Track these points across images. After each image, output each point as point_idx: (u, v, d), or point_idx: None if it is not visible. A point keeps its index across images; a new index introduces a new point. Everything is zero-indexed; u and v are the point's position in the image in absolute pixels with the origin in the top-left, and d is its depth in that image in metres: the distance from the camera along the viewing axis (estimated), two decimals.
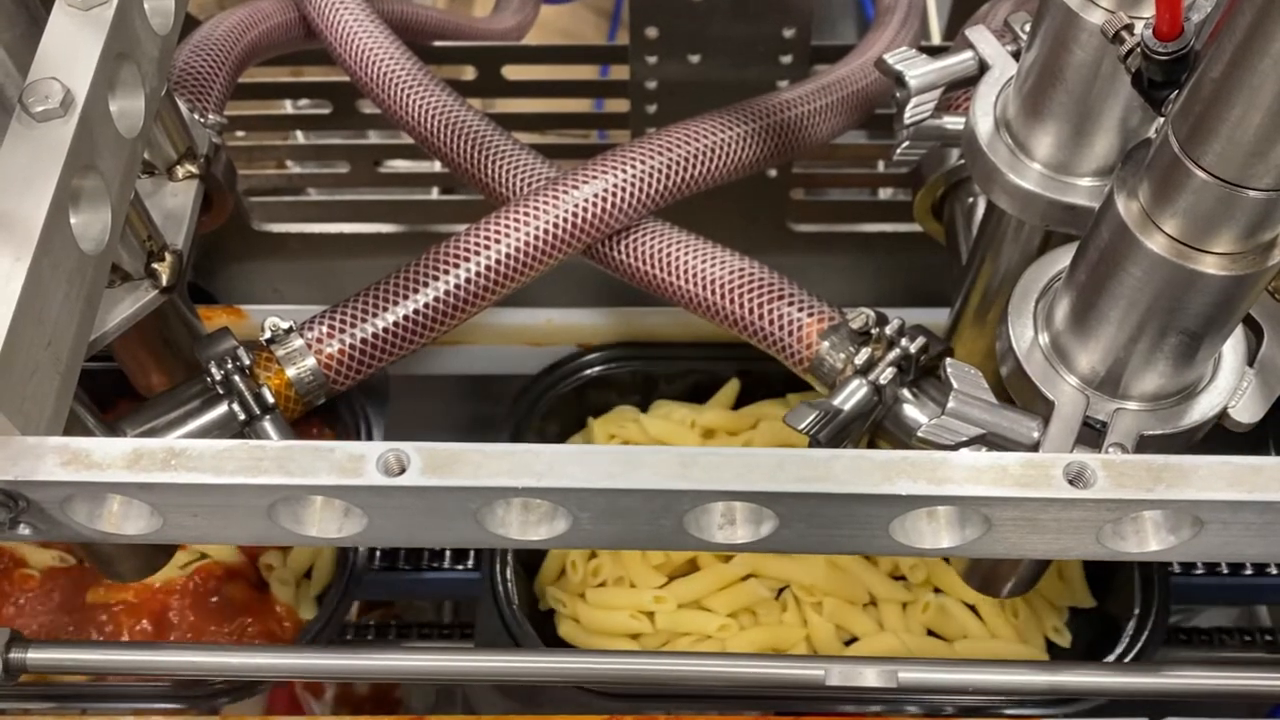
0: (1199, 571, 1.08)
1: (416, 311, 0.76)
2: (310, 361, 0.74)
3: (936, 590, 1.03)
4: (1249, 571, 1.09)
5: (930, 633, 1.02)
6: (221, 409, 0.72)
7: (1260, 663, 1.08)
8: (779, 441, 1.08)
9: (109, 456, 0.47)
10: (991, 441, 0.62)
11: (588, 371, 1.12)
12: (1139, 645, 0.96)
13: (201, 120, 0.79)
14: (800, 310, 0.77)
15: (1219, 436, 0.62)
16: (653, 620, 1.03)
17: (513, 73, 1.10)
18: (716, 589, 1.04)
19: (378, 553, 1.12)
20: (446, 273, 0.76)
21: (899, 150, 0.73)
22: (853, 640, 1.02)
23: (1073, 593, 1.03)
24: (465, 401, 1.32)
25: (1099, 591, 1.04)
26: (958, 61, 0.70)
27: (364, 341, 0.75)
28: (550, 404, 1.12)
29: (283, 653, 0.74)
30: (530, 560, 1.08)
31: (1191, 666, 0.63)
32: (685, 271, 0.79)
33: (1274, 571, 1.06)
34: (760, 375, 1.12)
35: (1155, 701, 0.85)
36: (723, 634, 1.02)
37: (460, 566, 1.11)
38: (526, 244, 0.77)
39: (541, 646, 1.00)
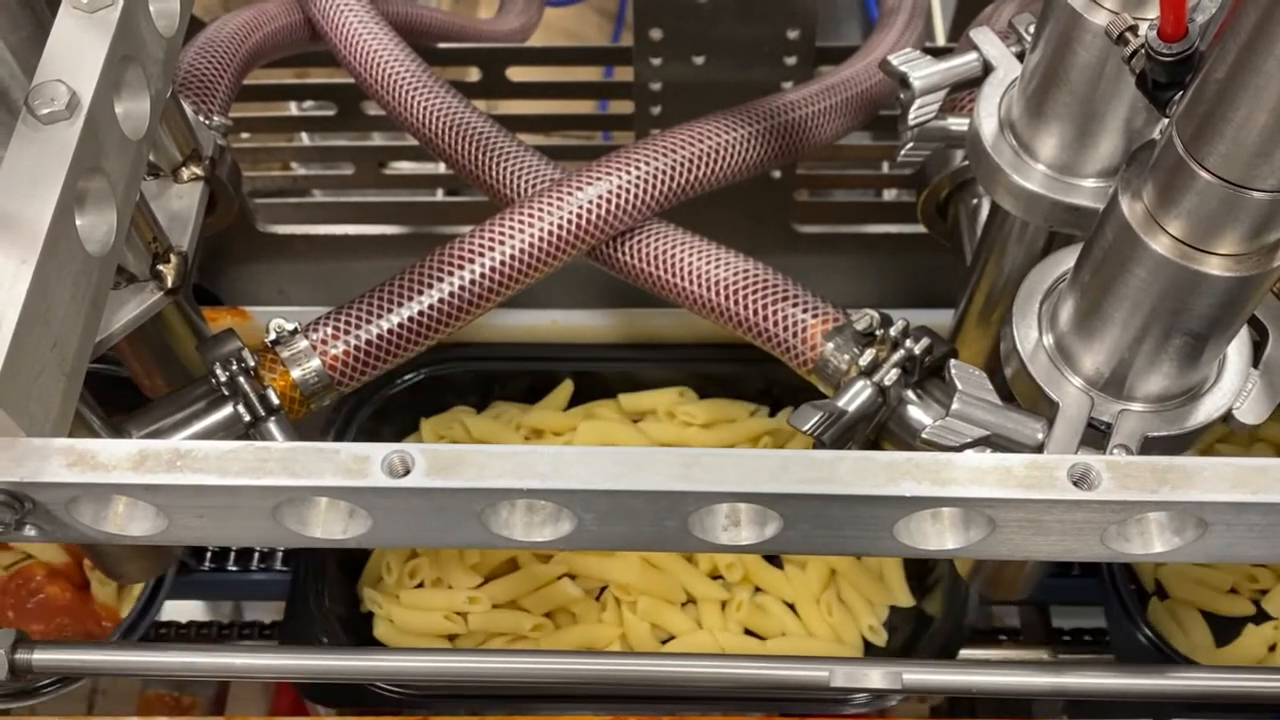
0: None
1: (421, 313, 0.76)
2: (315, 363, 0.74)
3: (758, 590, 1.05)
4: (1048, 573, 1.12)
5: (749, 632, 1.04)
6: (226, 410, 0.72)
7: (1044, 664, 1.08)
8: (599, 441, 1.09)
9: (114, 458, 0.47)
10: (996, 443, 0.62)
11: (423, 371, 1.12)
12: (942, 644, 0.98)
13: (206, 122, 0.79)
14: (804, 311, 0.77)
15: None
16: (467, 621, 1.04)
17: (517, 74, 1.10)
18: (532, 589, 1.05)
19: (208, 552, 1.13)
20: (451, 274, 0.76)
21: (903, 151, 0.73)
22: (669, 639, 1.03)
23: (891, 592, 1.04)
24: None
25: (917, 590, 1.05)
26: (962, 63, 0.70)
27: (369, 343, 0.75)
28: (381, 404, 1.12)
29: (287, 654, 0.74)
30: (352, 563, 1.08)
31: (1195, 669, 0.63)
32: (689, 273, 0.79)
33: (1076, 573, 1.10)
34: (596, 376, 1.14)
35: (1157, 704, 0.86)
36: (536, 634, 1.03)
37: (285, 568, 1.11)
38: (531, 245, 0.77)
39: (360, 647, 1.01)
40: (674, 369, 1.14)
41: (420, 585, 1.06)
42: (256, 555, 1.14)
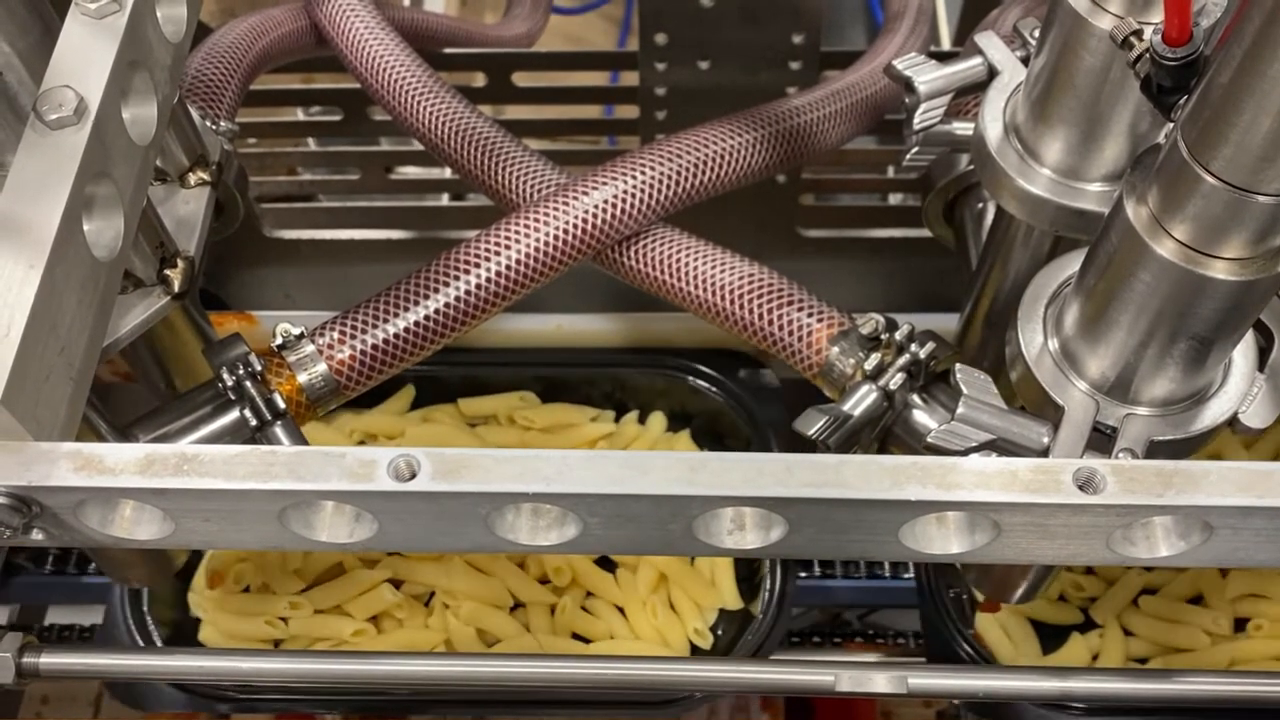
0: (816, 573, 1.16)
1: (427, 317, 0.76)
2: (321, 367, 0.74)
3: (589, 594, 1.05)
4: (863, 574, 1.17)
5: (578, 636, 1.04)
6: (233, 415, 0.72)
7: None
8: (431, 442, 1.08)
9: (121, 462, 0.47)
10: (1001, 447, 0.62)
11: None
12: (758, 645, 0.99)
13: (213, 127, 0.80)
14: (810, 315, 0.77)
15: None
16: (289, 626, 1.04)
17: (523, 79, 1.10)
18: (356, 594, 1.05)
19: (51, 555, 1.14)
20: (457, 278, 0.76)
21: (908, 156, 0.73)
22: (496, 643, 1.03)
23: (722, 596, 1.05)
24: None
25: (746, 593, 1.05)
26: (967, 67, 0.70)
27: (375, 347, 0.75)
28: None
29: (294, 658, 0.74)
30: (188, 567, 1.07)
31: (1199, 674, 0.63)
32: (694, 277, 0.79)
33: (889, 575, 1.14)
34: (435, 379, 1.13)
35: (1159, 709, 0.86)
36: (357, 639, 1.03)
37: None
38: (537, 250, 0.77)
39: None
40: (520, 373, 1.14)
41: (246, 590, 1.06)
42: (75, 557, 1.14)
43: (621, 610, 1.05)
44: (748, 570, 1.05)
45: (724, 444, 1.11)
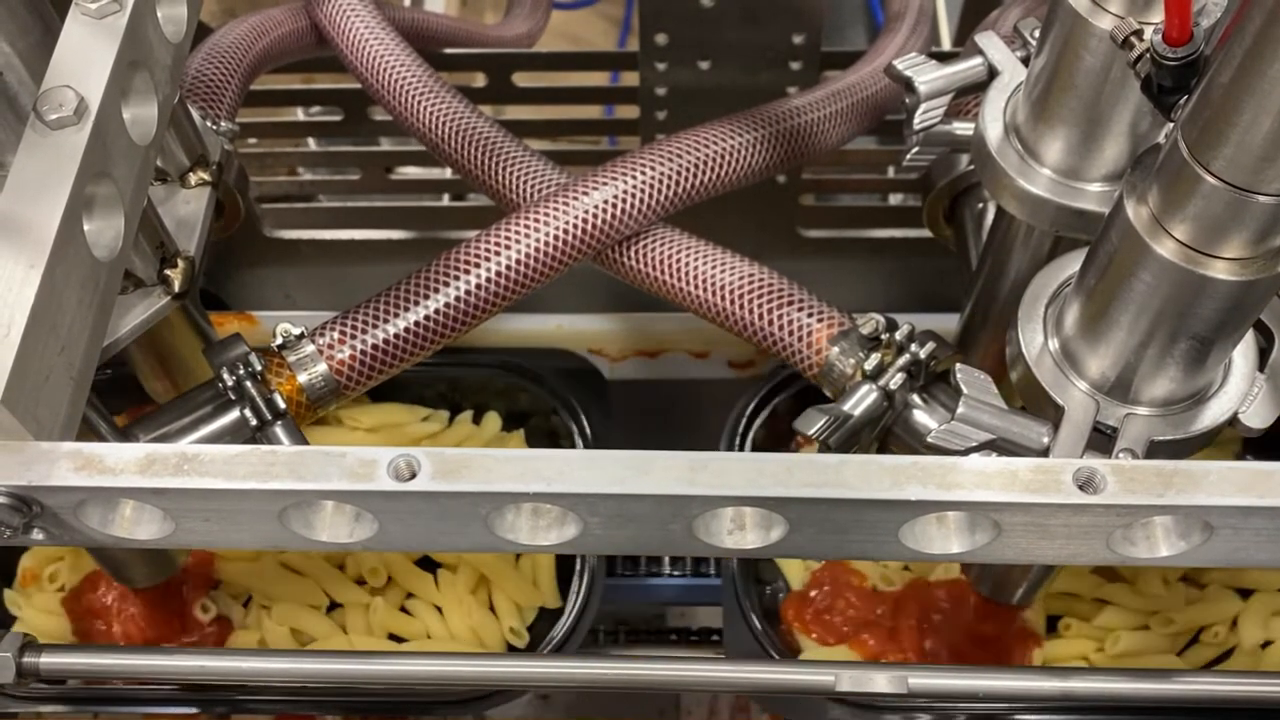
0: (642, 570, 1.19)
1: (427, 317, 0.76)
2: (322, 367, 0.74)
3: (410, 595, 1.05)
4: (670, 571, 1.21)
5: (394, 636, 1.04)
6: (233, 415, 0.72)
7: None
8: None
9: (122, 462, 0.47)
10: (1001, 447, 0.62)
11: None
12: (562, 642, 0.98)
13: (214, 127, 0.80)
14: (810, 316, 0.77)
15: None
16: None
17: (523, 79, 1.10)
18: None
19: None
20: (457, 278, 0.76)
21: (909, 156, 0.73)
22: (311, 642, 1.03)
23: (542, 594, 1.05)
24: None
25: (565, 592, 1.05)
26: (967, 67, 0.70)
27: (375, 347, 0.75)
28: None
29: (294, 658, 0.74)
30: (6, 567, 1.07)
31: (1199, 674, 0.63)
32: (695, 277, 0.79)
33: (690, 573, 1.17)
34: None
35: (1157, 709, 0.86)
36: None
37: None
38: (537, 250, 0.77)
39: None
40: None
41: (60, 589, 1.05)
42: None
43: (439, 609, 1.05)
44: (566, 569, 1.05)
45: (558, 443, 1.10)
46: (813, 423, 0.69)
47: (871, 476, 0.48)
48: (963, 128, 0.72)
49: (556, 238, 0.77)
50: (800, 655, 0.99)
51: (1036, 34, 0.66)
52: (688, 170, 0.81)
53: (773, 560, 1.03)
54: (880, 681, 0.63)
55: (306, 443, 0.73)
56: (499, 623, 1.03)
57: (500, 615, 1.03)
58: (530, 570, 1.05)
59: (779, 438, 1.05)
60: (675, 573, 1.21)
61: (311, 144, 1.29)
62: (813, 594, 1.01)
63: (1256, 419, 0.60)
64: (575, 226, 0.78)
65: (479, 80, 1.11)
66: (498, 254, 0.77)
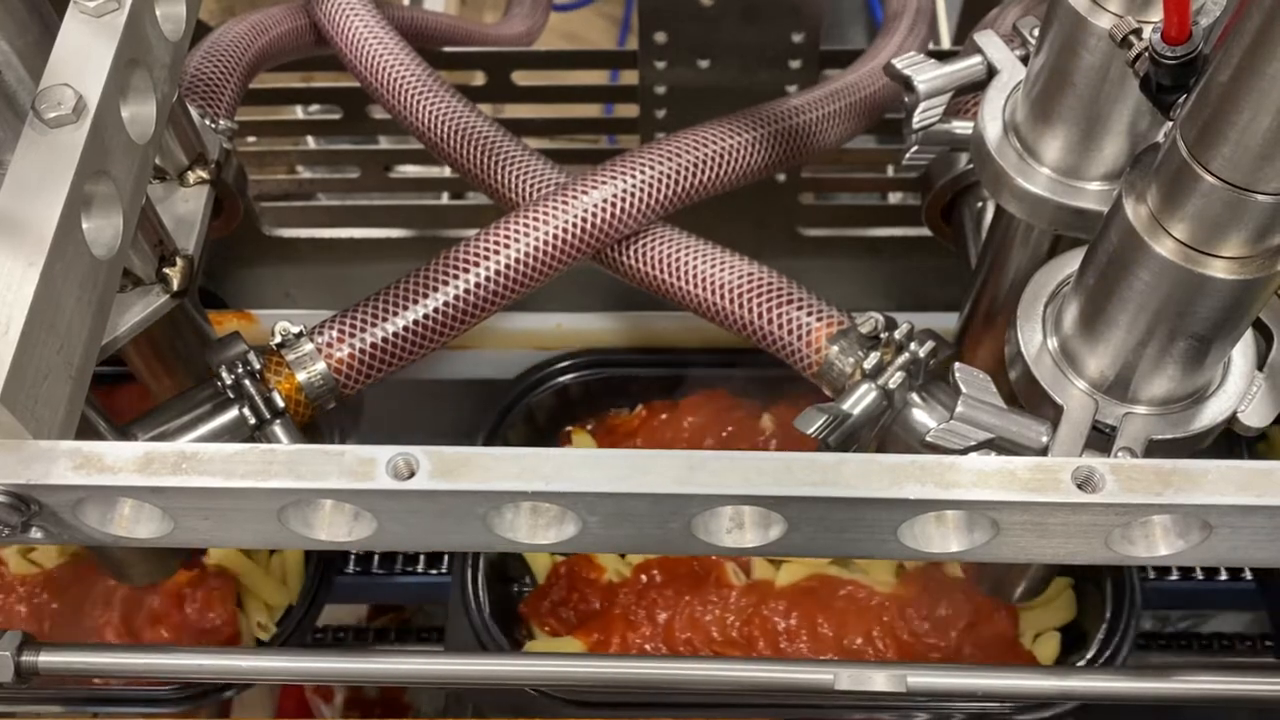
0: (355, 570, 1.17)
1: (427, 316, 0.76)
2: (321, 366, 0.74)
3: None
4: (421, 569, 1.18)
5: None
6: (232, 413, 0.72)
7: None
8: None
9: (121, 460, 0.47)
10: (1000, 446, 0.62)
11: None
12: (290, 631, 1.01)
13: (213, 126, 0.80)
14: (809, 315, 0.77)
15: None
16: None
17: (522, 78, 1.10)
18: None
19: None
20: (456, 277, 0.76)
21: (908, 155, 0.73)
22: None
23: (291, 594, 1.06)
24: (474, 406, 1.32)
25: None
26: (966, 66, 0.70)
27: (374, 346, 0.75)
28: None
29: (290, 655, 0.74)
30: None
31: (1201, 671, 0.63)
32: (693, 276, 0.79)
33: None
34: None
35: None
36: None
37: None
38: (536, 249, 0.77)
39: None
40: None
41: None
42: None
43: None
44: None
45: None
46: (812, 421, 0.69)
47: (870, 475, 0.48)
48: (962, 126, 0.72)
49: (556, 236, 0.77)
50: (527, 647, 1.02)
51: (1035, 33, 0.66)
52: (687, 169, 0.81)
53: (522, 556, 1.05)
54: (879, 680, 0.63)
55: (305, 441, 0.73)
56: (249, 621, 1.05)
57: (249, 615, 1.06)
58: (280, 570, 1.07)
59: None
60: (408, 571, 1.19)
61: (310, 142, 1.29)
62: (550, 589, 1.04)
63: (1255, 418, 0.60)
64: (574, 225, 0.78)
65: (478, 79, 1.11)
66: (497, 253, 0.77)
